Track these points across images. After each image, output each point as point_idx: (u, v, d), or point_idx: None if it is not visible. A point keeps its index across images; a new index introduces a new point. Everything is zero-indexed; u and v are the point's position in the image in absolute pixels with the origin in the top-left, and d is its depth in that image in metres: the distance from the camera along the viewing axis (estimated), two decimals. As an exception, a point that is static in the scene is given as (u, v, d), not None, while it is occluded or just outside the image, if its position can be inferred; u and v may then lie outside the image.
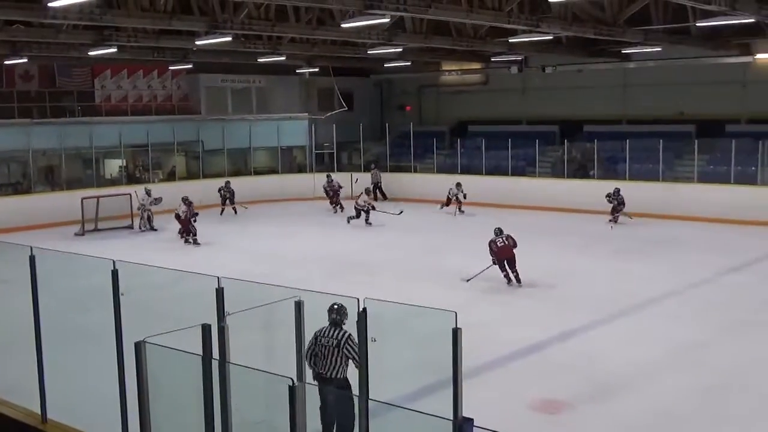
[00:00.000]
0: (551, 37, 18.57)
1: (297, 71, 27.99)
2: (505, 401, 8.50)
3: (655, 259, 16.52)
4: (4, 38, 17.63)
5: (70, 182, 24.26)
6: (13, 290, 7.06)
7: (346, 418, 6.63)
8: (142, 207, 21.51)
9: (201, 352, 5.24)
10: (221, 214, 23.95)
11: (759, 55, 21.43)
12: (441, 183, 24.98)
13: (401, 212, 22.61)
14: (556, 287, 14.07)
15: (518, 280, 13.90)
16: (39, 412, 6.76)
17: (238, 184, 24.89)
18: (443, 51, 22.99)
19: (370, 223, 21.46)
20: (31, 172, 23.61)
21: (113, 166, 26.41)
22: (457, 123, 30.31)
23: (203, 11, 15.61)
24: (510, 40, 19.47)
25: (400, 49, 22.12)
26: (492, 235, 14.10)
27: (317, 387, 6.84)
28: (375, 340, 5.24)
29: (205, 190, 24.07)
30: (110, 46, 19.21)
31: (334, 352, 7.01)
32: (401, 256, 17.26)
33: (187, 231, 19.22)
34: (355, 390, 5.84)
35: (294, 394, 4.46)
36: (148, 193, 21.69)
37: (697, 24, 16.61)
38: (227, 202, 24.18)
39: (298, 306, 5.80)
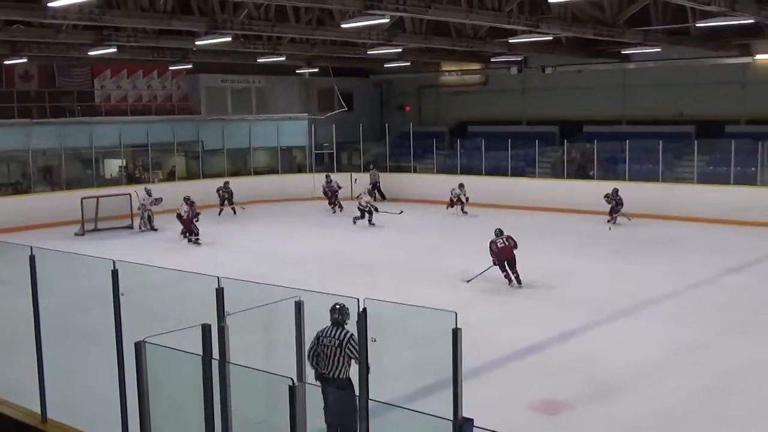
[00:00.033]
0: (551, 38, 18.55)
1: (297, 71, 27.98)
2: (505, 401, 8.50)
3: (655, 259, 16.53)
4: (4, 38, 17.61)
5: (70, 182, 24.25)
6: (13, 290, 7.05)
7: (349, 418, 6.62)
8: (142, 207, 21.51)
9: (201, 352, 5.24)
10: (219, 214, 23.92)
11: (758, 56, 21.40)
12: (441, 183, 24.98)
13: (401, 212, 22.63)
14: (555, 288, 14.07)
15: (518, 281, 13.89)
16: (39, 412, 6.76)
17: (237, 184, 24.90)
18: (443, 51, 22.98)
19: (374, 224, 21.45)
20: (31, 172, 23.59)
21: (113, 166, 26.41)
22: (457, 123, 30.30)
23: (203, 11, 15.59)
24: (510, 41, 19.44)
25: (400, 50, 22.11)
26: (492, 236, 14.11)
27: (320, 387, 6.83)
28: (375, 341, 5.24)
29: (204, 190, 24.03)
30: (110, 46, 19.20)
31: (336, 352, 7.00)
32: (401, 256, 17.27)
33: (190, 231, 19.20)
34: (357, 390, 5.84)
35: (294, 394, 4.46)
36: (148, 193, 21.69)
37: (697, 24, 16.59)
38: (226, 202, 24.19)
39: (298, 306, 5.79)
